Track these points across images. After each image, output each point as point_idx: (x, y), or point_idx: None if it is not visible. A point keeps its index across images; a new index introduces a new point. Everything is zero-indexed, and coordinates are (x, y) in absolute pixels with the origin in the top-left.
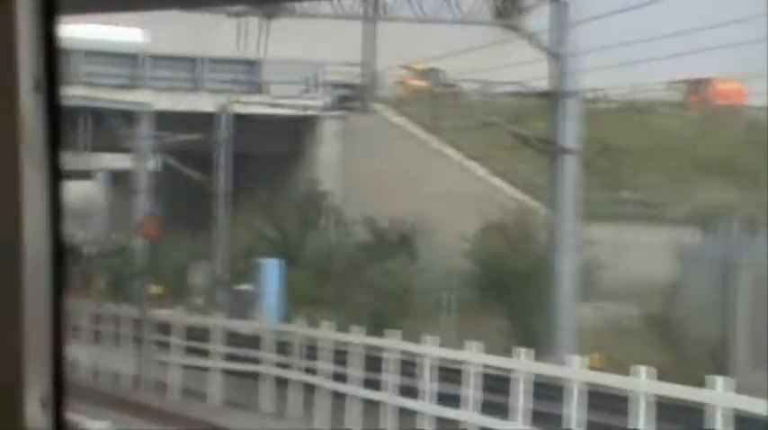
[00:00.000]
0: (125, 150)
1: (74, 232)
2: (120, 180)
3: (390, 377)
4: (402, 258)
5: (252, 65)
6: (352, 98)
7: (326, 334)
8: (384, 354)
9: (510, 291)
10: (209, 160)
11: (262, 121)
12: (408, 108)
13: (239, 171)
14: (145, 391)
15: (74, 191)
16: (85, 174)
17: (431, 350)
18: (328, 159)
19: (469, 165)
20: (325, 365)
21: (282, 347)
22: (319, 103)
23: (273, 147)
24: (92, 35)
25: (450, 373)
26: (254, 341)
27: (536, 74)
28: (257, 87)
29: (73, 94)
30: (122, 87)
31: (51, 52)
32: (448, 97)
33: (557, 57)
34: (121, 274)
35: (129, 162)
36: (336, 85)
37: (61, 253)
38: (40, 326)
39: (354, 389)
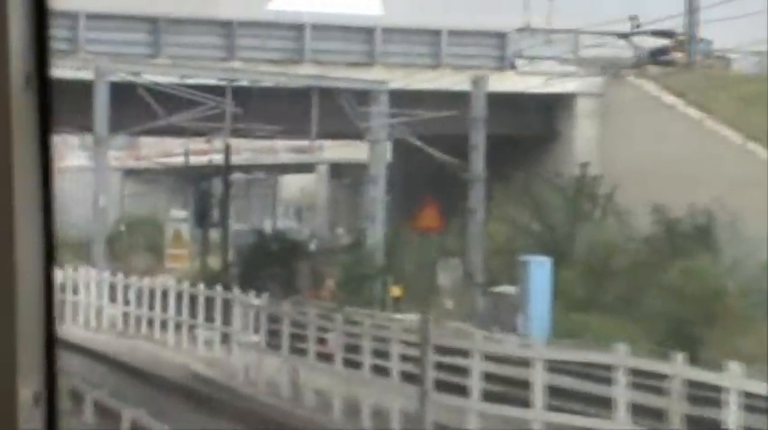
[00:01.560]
0: (356, 136)
1: (295, 227)
2: (339, 170)
3: None
4: (702, 254)
5: (500, 37)
6: (664, 52)
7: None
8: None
9: None
10: (458, 143)
11: (511, 99)
12: (672, 81)
13: (489, 154)
14: None
15: (294, 185)
16: (307, 168)
17: None
18: (586, 140)
19: (751, 148)
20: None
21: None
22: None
23: (525, 128)
24: (322, 7)
25: None
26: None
27: None
28: (506, 62)
29: (301, 73)
30: (355, 64)
31: (42, 48)
32: (721, 69)
33: None
34: (356, 273)
35: (359, 150)
36: (656, 32)
37: (52, 247)
38: (33, 320)
39: None
